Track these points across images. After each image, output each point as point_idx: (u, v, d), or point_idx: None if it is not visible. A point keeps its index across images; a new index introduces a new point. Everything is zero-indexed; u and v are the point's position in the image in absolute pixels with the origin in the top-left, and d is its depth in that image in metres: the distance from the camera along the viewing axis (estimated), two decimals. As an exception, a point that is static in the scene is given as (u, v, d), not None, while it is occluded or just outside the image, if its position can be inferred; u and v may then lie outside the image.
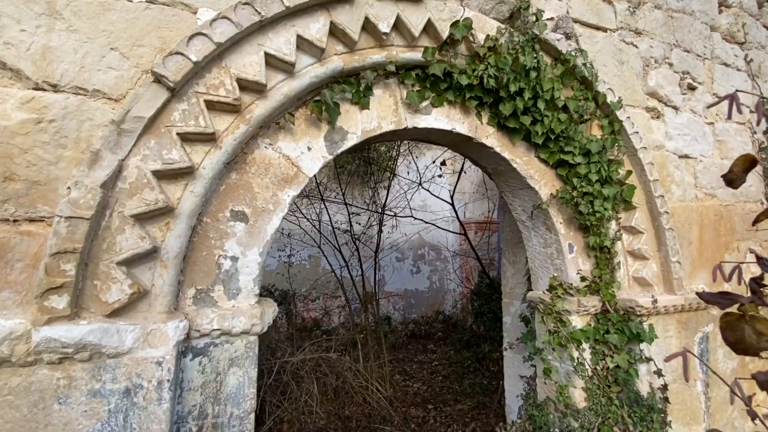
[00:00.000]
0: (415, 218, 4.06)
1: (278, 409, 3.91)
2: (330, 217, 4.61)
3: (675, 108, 3.21)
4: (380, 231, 4.86)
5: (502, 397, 3.59)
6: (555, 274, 2.66)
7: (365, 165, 7.18)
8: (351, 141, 2.16)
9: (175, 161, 1.58)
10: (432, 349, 7.12)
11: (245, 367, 1.79)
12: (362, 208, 4.03)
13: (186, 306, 1.73)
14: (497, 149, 2.52)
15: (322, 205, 5.22)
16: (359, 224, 5.22)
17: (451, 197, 4.03)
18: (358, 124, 2.18)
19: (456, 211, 4.11)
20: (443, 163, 3.89)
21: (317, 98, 2.00)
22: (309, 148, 2.04)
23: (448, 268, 8.41)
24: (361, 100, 2.12)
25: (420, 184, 4.09)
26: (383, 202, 5.02)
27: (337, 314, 7.35)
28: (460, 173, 4.02)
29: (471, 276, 7.93)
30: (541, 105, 2.43)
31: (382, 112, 2.23)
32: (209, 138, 1.67)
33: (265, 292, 7.63)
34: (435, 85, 2.30)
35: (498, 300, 7.88)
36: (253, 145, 1.90)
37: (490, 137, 2.50)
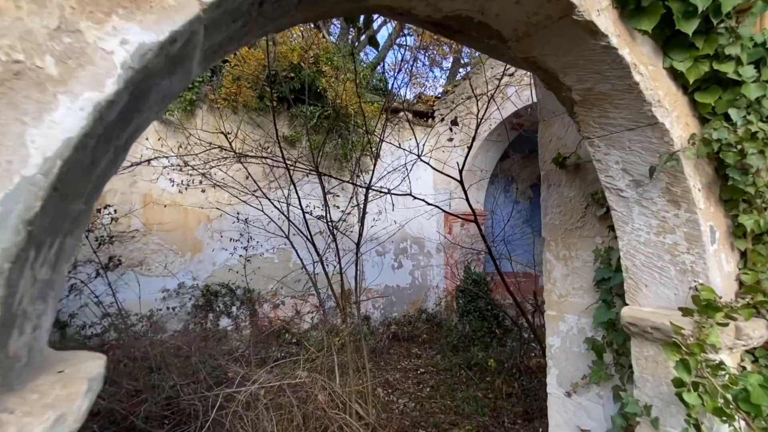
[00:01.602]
0: (415, 197, 2.69)
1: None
2: (299, 198, 3.17)
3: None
4: (364, 215, 3.46)
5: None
6: (698, 282, 1.37)
7: (344, 145, 5.75)
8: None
9: None
10: (416, 353, 5.80)
11: None
12: (341, 179, 2.63)
13: None
14: (613, 41, 1.19)
15: (291, 187, 3.75)
16: (338, 207, 3.82)
17: (460, 172, 2.70)
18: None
19: (465, 191, 2.78)
20: (454, 122, 2.57)
21: None
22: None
23: (431, 262, 7.10)
24: None
25: (419, 156, 2.74)
26: (369, 181, 3.63)
27: (310, 315, 5.90)
28: (473, 140, 2.70)
29: (456, 271, 6.66)
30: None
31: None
32: None
33: (226, 290, 6.09)
34: None
35: (486, 298, 6.67)
36: None
37: (603, 14, 1.17)
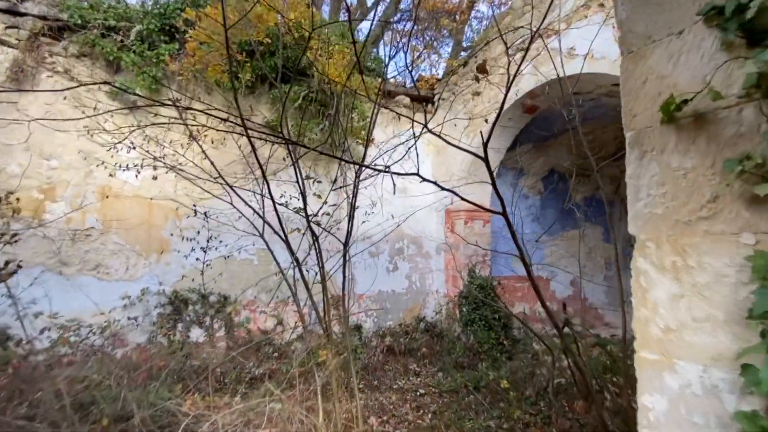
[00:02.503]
0: (424, 179, 1.84)
1: None
2: (267, 182, 2.28)
3: None
4: (353, 208, 2.61)
5: None
6: None
7: (332, 130, 4.88)
8: None
9: None
10: (415, 370, 4.95)
11: None
12: (321, 152, 1.78)
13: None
14: None
15: (269, 177, 2.87)
16: (319, 196, 2.96)
17: (485, 144, 1.85)
18: None
19: (491, 174, 1.93)
20: (481, 69, 1.75)
21: None
22: None
23: (430, 265, 6.26)
24: None
25: (426, 126, 1.88)
26: (361, 157, 2.78)
27: (291, 329, 5.03)
28: (502, 105, 1.85)
29: (459, 275, 5.82)
30: None
31: None
32: None
33: (197, 297, 5.18)
34: None
35: (493, 305, 5.78)
36: None
37: None
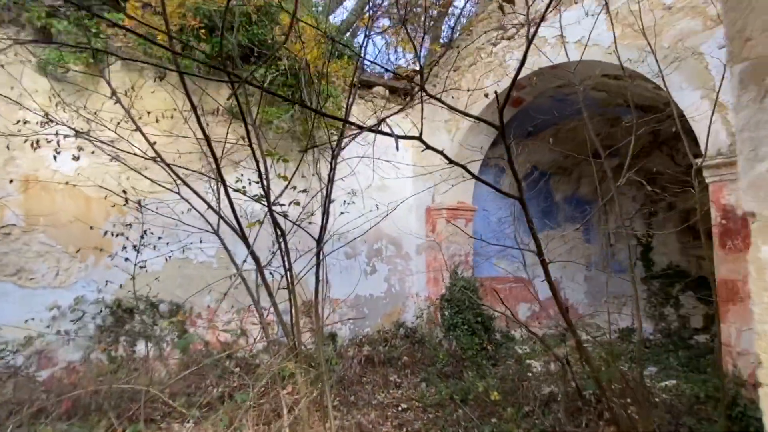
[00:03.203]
0: (427, 146, 1.32)
1: None
2: (215, 156, 1.64)
3: None
4: (328, 201, 2.05)
5: None
6: None
7: (304, 120, 4.28)
8: None
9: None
10: (396, 381, 4.39)
11: None
12: (274, 93, 1.21)
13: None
14: None
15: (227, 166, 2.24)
16: (284, 177, 2.37)
17: (500, 110, 1.36)
18: None
19: (508, 149, 1.44)
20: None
21: None
22: None
23: (410, 266, 5.75)
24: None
25: (422, 87, 1.36)
26: (334, 151, 2.23)
27: (258, 333, 4.36)
28: (518, 72, 1.36)
29: (441, 277, 5.35)
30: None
31: None
32: None
33: (145, 305, 4.37)
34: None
35: (473, 306, 5.32)
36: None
37: None
